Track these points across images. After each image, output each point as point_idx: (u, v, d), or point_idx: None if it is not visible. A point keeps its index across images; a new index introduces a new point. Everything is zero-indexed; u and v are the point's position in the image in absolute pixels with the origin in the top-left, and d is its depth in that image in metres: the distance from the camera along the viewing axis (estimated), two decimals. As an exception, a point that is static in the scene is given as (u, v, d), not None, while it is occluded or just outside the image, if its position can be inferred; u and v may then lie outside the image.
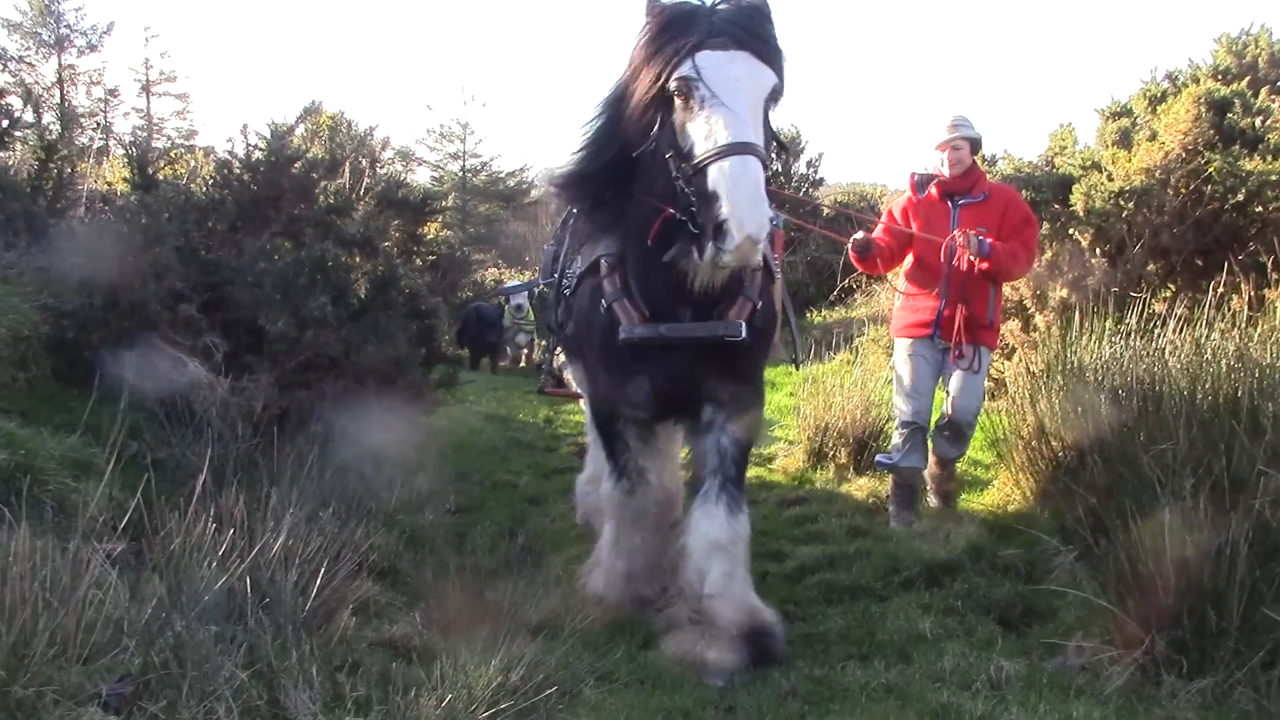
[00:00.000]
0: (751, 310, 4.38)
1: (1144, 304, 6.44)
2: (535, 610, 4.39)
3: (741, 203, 3.52)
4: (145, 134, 36.19)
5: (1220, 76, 14.27)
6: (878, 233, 6.16)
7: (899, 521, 6.08)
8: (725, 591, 4.30)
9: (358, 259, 6.39)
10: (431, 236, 11.23)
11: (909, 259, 6.19)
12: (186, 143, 35.29)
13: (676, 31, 3.90)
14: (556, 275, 5.34)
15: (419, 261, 9.07)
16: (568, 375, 6.70)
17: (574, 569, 5.25)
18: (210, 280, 5.95)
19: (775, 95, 3.97)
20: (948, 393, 6.03)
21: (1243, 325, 6.09)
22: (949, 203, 6.06)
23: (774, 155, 4.08)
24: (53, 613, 2.90)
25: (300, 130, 6.32)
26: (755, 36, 3.90)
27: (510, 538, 5.58)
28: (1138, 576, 3.95)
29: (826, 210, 15.29)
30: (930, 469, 6.29)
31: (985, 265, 5.81)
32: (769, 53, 3.94)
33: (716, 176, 3.62)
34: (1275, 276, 8.45)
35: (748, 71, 3.84)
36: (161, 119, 40.69)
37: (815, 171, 16.03)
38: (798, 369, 6.17)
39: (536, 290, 13.81)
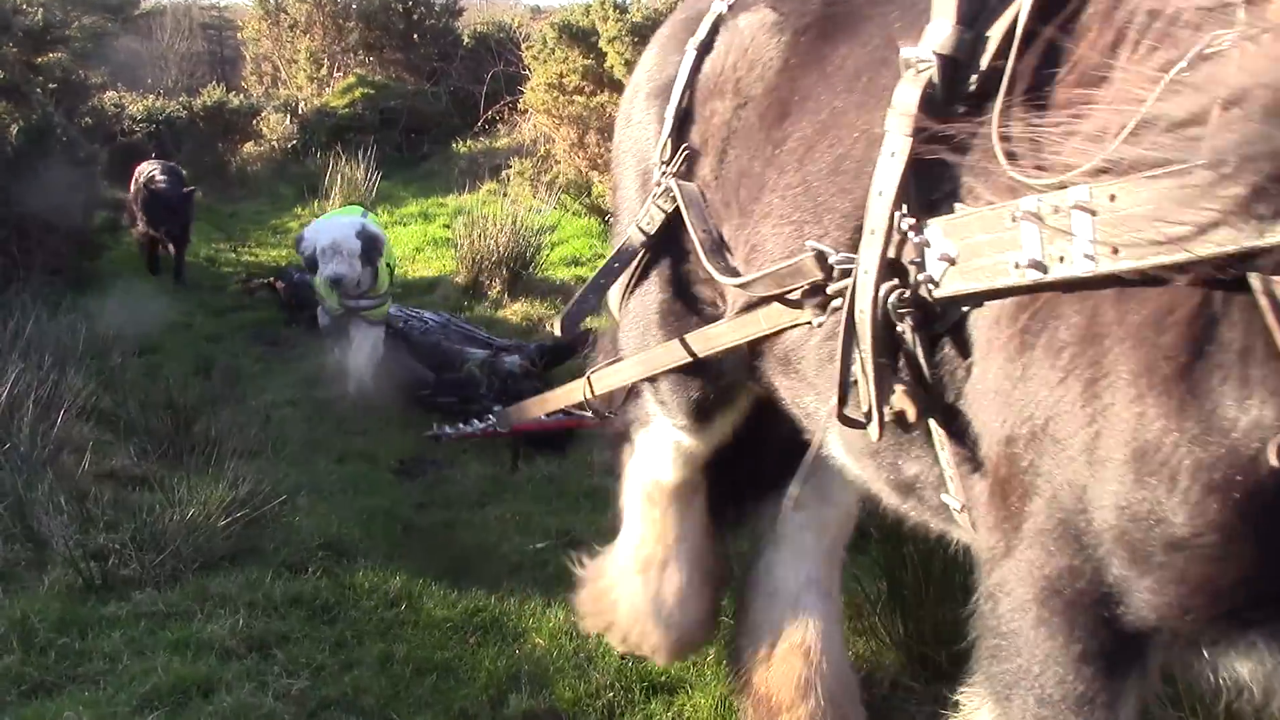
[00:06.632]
0: None
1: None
2: (241, 438, 4.97)
3: None
4: None
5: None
6: None
7: None
8: None
9: (7, 106, 6.30)
10: (44, 61, 10.60)
11: None
12: None
13: None
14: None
15: (40, 92, 8.73)
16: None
17: (267, 399, 5.80)
18: None
19: None
20: None
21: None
22: None
23: None
24: None
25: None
26: None
27: (203, 375, 5.99)
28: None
29: (467, 41, 15.61)
30: None
31: None
32: None
33: None
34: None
35: None
36: None
37: (455, 1, 16.16)
38: None
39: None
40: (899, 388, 1.77)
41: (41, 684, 3.13)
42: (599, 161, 9.65)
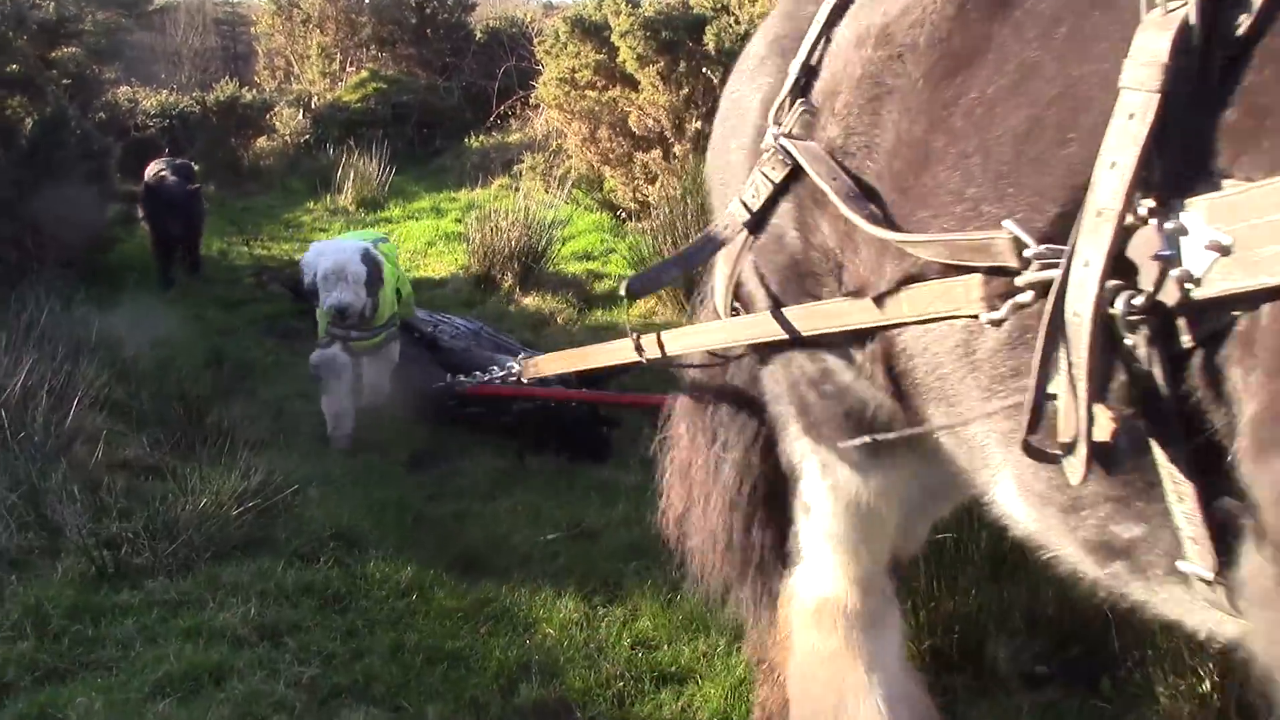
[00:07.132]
0: None
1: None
2: (253, 429, 4.99)
3: None
4: None
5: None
6: None
7: None
8: None
9: (21, 99, 6.33)
10: (57, 56, 10.64)
11: None
12: None
13: None
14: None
15: (54, 86, 8.77)
16: None
17: (278, 391, 5.83)
18: None
19: None
20: None
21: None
22: None
23: None
24: None
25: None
26: None
27: (214, 367, 6.01)
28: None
29: (479, 36, 15.63)
30: None
31: None
32: None
33: None
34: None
35: None
36: None
37: (468, -6, 16.24)
38: None
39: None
40: (1116, 415, 1.33)
41: (54, 670, 3.15)
42: (611, 156, 9.65)
